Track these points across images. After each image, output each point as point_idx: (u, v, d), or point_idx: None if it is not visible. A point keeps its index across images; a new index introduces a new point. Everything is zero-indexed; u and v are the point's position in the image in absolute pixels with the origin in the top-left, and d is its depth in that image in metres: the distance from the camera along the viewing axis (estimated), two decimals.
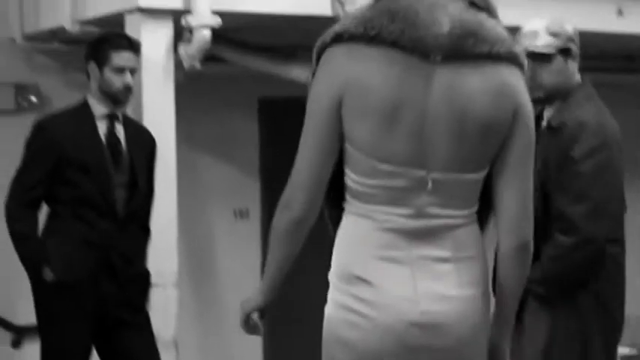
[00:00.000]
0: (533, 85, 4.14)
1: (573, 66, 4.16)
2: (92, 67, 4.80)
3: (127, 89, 4.78)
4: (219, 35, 5.34)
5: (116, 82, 4.75)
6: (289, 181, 2.68)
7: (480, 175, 2.66)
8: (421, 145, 2.58)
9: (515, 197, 2.67)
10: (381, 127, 2.57)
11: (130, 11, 5.20)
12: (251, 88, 6.86)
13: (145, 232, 4.93)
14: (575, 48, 4.15)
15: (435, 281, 2.62)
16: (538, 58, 4.08)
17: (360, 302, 2.63)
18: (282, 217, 2.69)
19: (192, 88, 6.19)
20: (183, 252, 5.75)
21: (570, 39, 4.14)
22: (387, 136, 2.58)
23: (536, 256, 4.07)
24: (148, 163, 4.91)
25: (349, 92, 2.58)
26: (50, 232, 4.77)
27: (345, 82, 2.58)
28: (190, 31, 5.20)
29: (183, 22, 5.16)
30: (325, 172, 2.65)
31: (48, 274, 4.66)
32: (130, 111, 5.09)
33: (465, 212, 2.68)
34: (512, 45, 2.64)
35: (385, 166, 2.60)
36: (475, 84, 2.58)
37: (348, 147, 2.64)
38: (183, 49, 5.31)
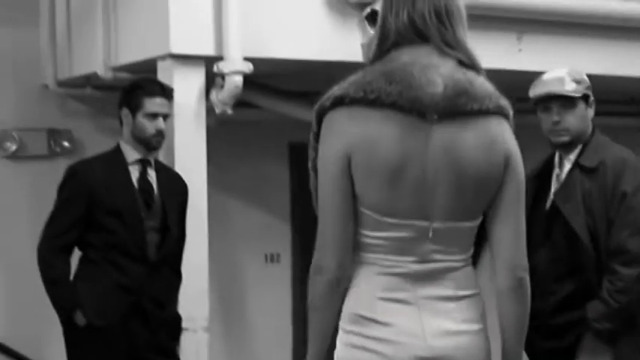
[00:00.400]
0: (559, 129, 4.27)
1: (591, 113, 4.37)
2: (125, 112, 4.84)
3: (160, 135, 4.82)
4: (250, 81, 5.37)
5: (149, 127, 4.78)
6: (316, 245, 2.76)
7: (475, 223, 2.82)
8: (423, 199, 2.71)
9: (509, 239, 2.82)
10: (386, 184, 2.69)
11: (163, 57, 5.23)
12: (282, 132, 6.88)
13: (176, 276, 4.94)
14: (592, 96, 4.36)
15: (440, 318, 2.74)
16: (565, 103, 4.30)
17: (369, 340, 2.72)
18: (317, 283, 2.76)
19: (223, 133, 6.22)
20: (215, 296, 5.75)
21: (589, 87, 4.36)
22: (392, 192, 2.70)
23: (592, 294, 4.10)
24: (180, 208, 4.93)
25: (355, 153, 2.69)
26: (82, 276, 4.79)
27: (351, 143, 2.69)
28: (222, 77, 5.23)
29: (215, 68, 5.19)
30: (349, 230, 2.74)
31: (80, 319, 4.68)
32: (161, 156, 5.12)
33: (463, 256, 2.82)
34: (499, 98, 2.78)
35: (391, 220, 2.72)
36: (469, 140, 2.72)
37: (355, 204, 2.75)
38: (214, 95, 5.33)
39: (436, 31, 2.78)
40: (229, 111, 5.41)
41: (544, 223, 4.33)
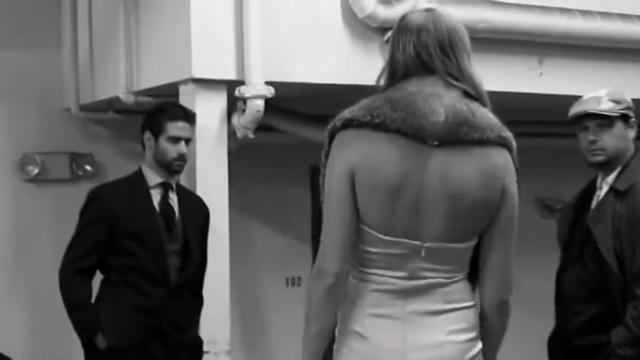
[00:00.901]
0: (594, 148, 4.23)
1: (632, 134, 4.30)
2: (148, 136, 4.86)
3: (182, 159, 4.83)
4: (271, 105, 5.38)
5: (171, 151, 4.80)
6: (319, 252, 2.95)
7: (469, 244, 2.97)
8: (417, 219, 2.88)
9: (498, 263, 2.99)
10: (385, 203, 2.87)
11: (185, 82, 5.25)
12: (303, 156, 6.88)
13: (197, 299, 4.94)
14: (633, 117, 4.28)
15: (425, 332, 2.91)
16: (602, 122, 4.24)
17: (355, 353, 2.95)
18: (318, 287, 2.94)
19: (244, 156, 6.23)
20: (236, 320, 5.75)
21: (630, 107, 4.30)
22: (389, 211, 2.87)
23: (618, 318, 4.07)
24: (201, 232, 4.94)
25: (359, 171, 2.88)
26: (103, 299, 4.79)
27: (356, 162, 2.88)
28: (244, 101, 5.24)
29: (236, 92, 5.20)
30: (350, 241, 2.92)
31: (100, 341, 4.68)
32: (183, 179, 5.14)
33: (456, 274, 2.97)
34: (501, 130, 2.94)
35: (386, 237, 2.90)
36: (467, 167, 2.87)
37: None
38: (236, 119, 5.35)
39: (440, 64, 2.94)
40: (251, 135, 5.42)
41: (578, 245, 4.32)
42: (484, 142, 2.88)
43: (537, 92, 6.28)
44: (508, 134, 2.96)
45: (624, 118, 4.27)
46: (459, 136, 2.86)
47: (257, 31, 5.18)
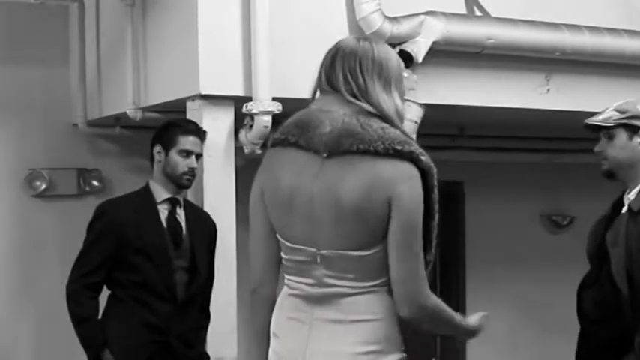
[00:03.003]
0: (600, 158, 4.18)
1: (637, 141, 4.17)
2: (158, 149, 4.87)
3: (191, 173, 4.84)
4: (278, 121, 5.38)
5: (181, 164, 4.81)
6: (250, 267, 3.21)
7: (368, 252, 3.01)
8: (311, 227, 3.03)
9: (400, 276, 3.00)
10: (282, 212, 3.07)
11: (192, 98, 5.26)
12: None
13: (204, 315, 4.95)
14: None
15: (325, 339, 3.04)
16: (603, 132, 4.21)
17: (273, 353, 3.16)
18: (253, 300, 3.24)
19: (251, 172, 6.22)
20: (243, 336, 5.74)
21: (635, 116, 4.15)
22: (287, 219, 3.07)
23: (630, 342, 4.02)
24: (209, 247, 4.94)
25: (265, 186, 3.12)
26: (110, 315, 4.80)
27: (264, 178, 3.14)
28: (251, 117, 5.25)
29: (244, 108, 5.21)
30: (272, 252, 3.17)
31: (107, 357, 4.68)
32: (190, 195, 5.14)
33: (363, 283, 3.04)
34: (400, 144, 2.98)
35: (288, 244, 3.09)
36: (350, 177, 2.98)
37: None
38: (243, 135, 5.35)
39: (343, 83, 3.08)
40: (258, 150, 5.42)
41: (598, 263, 4.23)
42: (372, 154, 2.97)
43: (545, 108, 6.28)
44: (409, 147, 2.99)
45: (629, 128, 4.15)
46: (344, 147, 2.98)
47: (264, 48, 5.19)
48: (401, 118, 3.11)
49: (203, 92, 5.19)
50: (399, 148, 2.98)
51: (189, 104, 5.31)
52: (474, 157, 7.53)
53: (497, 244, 8.04)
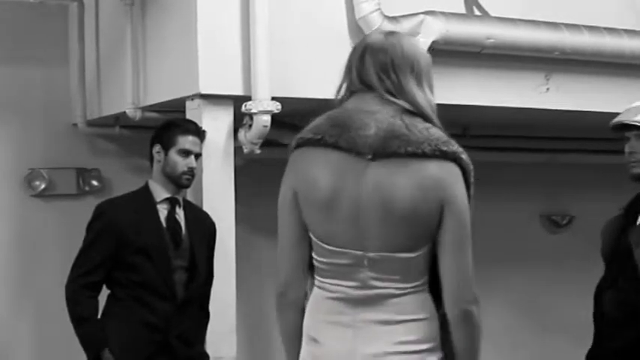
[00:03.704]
0: (631, 160, 4.10)
1: None
2: (157, 149, 4.88)
3: (191, 172, 4.85)
4: (277, 120, 5.39)
5: (180, 164, 4.82)
6: (277, 269, 3.17)
7: (415, 254, 3.00)
8: (357, 230, 2.98)
9: (453, 274, 3.01)
10: (323, 213, 3.01)
11: (191, 97, 5.26)
12: None
13: (204, 314, 4.95)
14: None
15: (374, 341, 3.00)
16: (638, 133, 4.12)
17: (312, 358, 3.10)
18: (279, 303, 3.22)
19: (251, 172, 6.24)
20: (242, 335, 5.74)
21: None
22: (328, 222, 3.01)
23: None
24: (208, 247, 4.95)
25: (300, 187, 3.05)
26: (110, 315, 4.80)
27: (297, 179, 3.07)
28: (250, 116, 5.25)
29: (243, 107, 5.21)
30: (301, 255, 3.12)
31: (107, 357, 4.68)
32: (190, 195, 5.15)
33: (407, 284, 3.03)
34: (443, 144, 2.99)
35: (329, 247, 3.03)
36: (401, 179, 2.95)
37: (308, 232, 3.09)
38: (243, 134, 5.35)
39: (378, 82, 3.05)
40: (257, 150, 5.43)
41: (619, 263, 4.16)
42: (420, 156, 2.95)
43: (544, 108, 6.28)
44: (451, 147, 3.01)
45: None
46: (391, 149, 2.95)
47: (264, 47, 5.19)
48: (435, 113, 3.10)
49: (202, 92, 5.19)
50: (444, 148, 2.98)
51: (188, 104, 5.31)
52: (472, 157, 7.50)
53: (496, 243, 8.04)
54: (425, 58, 3.14)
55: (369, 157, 2.96)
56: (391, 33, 3.18)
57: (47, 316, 6.35)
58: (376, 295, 3.01)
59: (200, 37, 5.19)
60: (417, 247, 3.00)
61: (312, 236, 3.08)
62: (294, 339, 3.18)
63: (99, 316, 4.78)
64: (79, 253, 4.81)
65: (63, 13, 6.62)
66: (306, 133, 3.08)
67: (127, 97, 5.88)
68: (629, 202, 4.30)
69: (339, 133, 2.99)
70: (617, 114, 4.37)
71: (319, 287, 3.10)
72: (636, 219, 4.17)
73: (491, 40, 5.80)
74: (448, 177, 2.98)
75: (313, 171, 3.02)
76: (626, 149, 4.19)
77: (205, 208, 5.11)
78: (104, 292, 4.86)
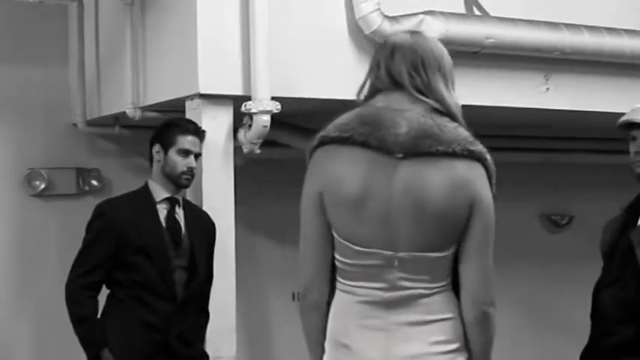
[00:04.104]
0: (638, 159, 4.10)
1: None
2: (157, 149, 4.88)
3: (190, 172, 4.85)
4: (277, 120, 5.39)
5: (180, 164, 4.82)
6: (301, 272, 3.13)
7: (444, 254, 3.00)
8: (387, 230, 2.95)
9: (475, 275, 3.04)
10: (352, 213, 2.97)
11: (191, 97, 5.26)
12: None
13: (203, 314, 4.94)
14: None
15: (408, 343, 2.98)
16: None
17: None
18: (302, 305, 3.15)
19: (251, 171, 6.24)
20: (242, 335, 5.75)
21: None
22: (357, 222, 2.97)
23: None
24: (208, 247, 4.95)
25: (326, 186, 3.00)
26: (109, 314, 4.80)
27: (323, 178, 3.01)
28: (250, 116, 5.25)
29: (243, 107, 5.21)
30: (324, 256, 3.06)
31: (107, 357, 4.68)
32: (189, 195, 5.14)
33: (435, 284, 3.02)
34: (470, 143, 3.00)
35: (358, 248, 2.98)
36: (433, 178, 2.94)
37: (332, 233, 3.04)
38: (242, 134, 5.35)
39: (408, 79, 3.04)
40: (257, 150, 5.43)
41: (620, 262, 4.16)
42: (450, 155, 2.95)
43: (543, 108, 6.28)
44: (478, 148, 3.02)
45: None
46: (423, 149, 2.94)
47: (263, 47, 5.19)
48: (460, 114, 3.10)
49: (202, 92, 5.19)
50: (472, 148, 2.99)
51: (188, 104, 5.31)
52: None
53: (496, 243, 8.03)
54: (449, 59, 3.14)
55: (400, 155, 2.94)
56: (417, 33, 3.18)
57: (47, 316, 6.35)
58: (406, 295, 2.99)
59: (200, 37, 5.19)
60: (446, 247, 3.00)
61: (337, 237, 3.03)
62: (317, 341, 3.14)
63: (99, 316, 4.78)
64: (79, 253, 4.81)
65: (62, 13, 6.62)
66: (331, 131, 3.04)
67: (126, 96, 5.87)
68: (630, 203, 4.30)
69: (369, 132, 2.96)
70: (617, 114, 4.38)
71: (345, 291, 3.06)
72: (637, 219, 4.17)
73: (491, 40, 5.80)
74: (476, 177, 3.00)
75: (341, 170, 2.98)
76: (633, 148, 4.18)
77: (205, 208, 5.11)
78: (104, 292, 4.86)
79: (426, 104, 3.02)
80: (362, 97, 3.14)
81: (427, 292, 3.00)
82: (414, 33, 3.16)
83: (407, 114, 2.97)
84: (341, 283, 3.07)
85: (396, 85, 3.05)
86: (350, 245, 2.99)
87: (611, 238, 4.27)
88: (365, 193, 2.94)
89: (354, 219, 2.97)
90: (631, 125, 4.19)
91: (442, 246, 2.99)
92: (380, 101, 3.05)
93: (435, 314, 3.01)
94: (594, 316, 4.29)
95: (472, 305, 3.03)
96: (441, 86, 3.06)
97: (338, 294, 3.08)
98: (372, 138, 2.95)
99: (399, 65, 3.05)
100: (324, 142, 3.04)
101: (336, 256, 3.05)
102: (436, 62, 3.08)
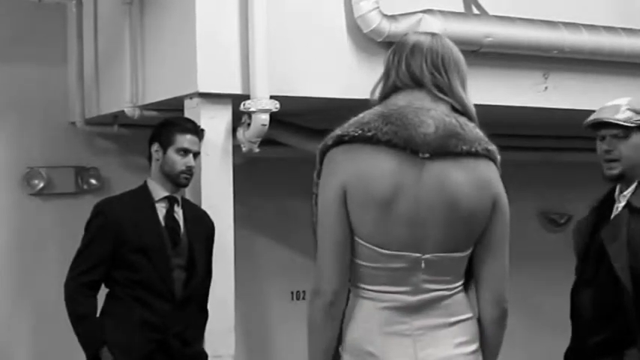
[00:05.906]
0: (609, 159, 4.09)
1: None
2: (156, 147, 4.88)
3: (189, 171, 4.85)
4: (276, 119, 5.39)
5: (179, 163, 4.82)
6: (315, 271, 2.99)
7: (465, 254, 3.03)
8: (415, 231, 2.92)
9: (497, 274, 3.06)
10: (379, 215, 2.91)
11: (190, 96, 5.26)
12: (307, 170, 6.87)
13: (202, 313, 4.95)
14: None
15: (434, 346, 2.97)
16: (617, 132, 4.10)
17: None
18: (316, 306, 2.98)
19: (249, 170, 6.24)
20: (241, 334, 5.75)
21: None
22: (384, 224, 2.91)
23: (632, 340, 3.96)
24: (206, 246, 4.95)
25: (350, 187, 2.92)
26: (108, 313, 4.80)
27: (347, 178, 2.93)
28: (249, 115, 5.25)
29: (242, 106, 5.21)
30: (345, 258, 2.96)
31: (106, 355, 4.68)
32: (188, 194, 5.14)
33: (454, 285, 3.03)
34: (487, 143, 3.03)
35: (384, 251, 2.93)
36: (460, 177, 2.94)
37: (354, 238, 2.96)
38: (241, 133, 5.35)
39: (429, 77, 3.03)
40: (256, 149, 5.43)
41: (594, 262, 4.13)
42: (473, 155, 2.97)
43: (542, 107, 6.28)
44: (493, 147, 3.06)
45: None
46: (449, 148, 2.93)
47: (262, 46, 5.19)
48: (475, 115, 3.11)
49: (201, 90, 5.19)
50: (490, 148, 3.03)
51: (187, 102, 5.31)
52: None
53: None
54: (464, 61, 3.15)
55: (427, 155, 2.92)
56: (437, 35, 3.16)
57: (46, 315, 6.35)
58: (429, 298, 2.97)
59: (199, 36, 5.19)
60: (467, 247, 3.02)
61: (361, 241, 2.95)
62: (325, 349, 3.02)
63: (98, 315, 4.78)
64: (78, 252, 4.81)
65: (61, 12, 6.62)
66: (351, 129, 2.97)
67: (125, 95, 5.87)
68: (600, 200, 4.32)
69: (394, 131, 2.91)
70: None
71: (367, 297, 2.99)
72: (608, 217, 4.17)
73: (490, 39, 5.80)
74: (495, 176, 3.04)
75: (367, 169, 2.92)
76: (603, 147, 4.17)
77: (204, 207, 5.11)
78: (103, 291, 4.86)
79: (447, 103, 3.02)
80: (376, 95, 3.12)
81: (448, 292, 3.00)
82: (433, 34, 3.15)
83: (432, 113, 2.96)
84: (362, 289, 3.00)
85: (417, 83, 3.04)
86: (375, 248, 2.93)
87: (584, 238, 4.27)
88: (395, 193, 2.90)
89: (383, 220, 2.91)
90: (599, 125, 4.19)
91: (465, 245, 3.01)
92: (401, 100, 3.02)
93: (457, 315, 3.01)
94: (573, 316, 4.30)
95: (495, 303, 3.05)
96: (459, 87, 3.07)
97: (358, 301, 3.01)
98: (397, 137, 2.91)
99: (421, 64, 3.04)
100: (344, 140, 2.97)
101: (358, 261, 2.97)
102: (455, 64, 3.09)
